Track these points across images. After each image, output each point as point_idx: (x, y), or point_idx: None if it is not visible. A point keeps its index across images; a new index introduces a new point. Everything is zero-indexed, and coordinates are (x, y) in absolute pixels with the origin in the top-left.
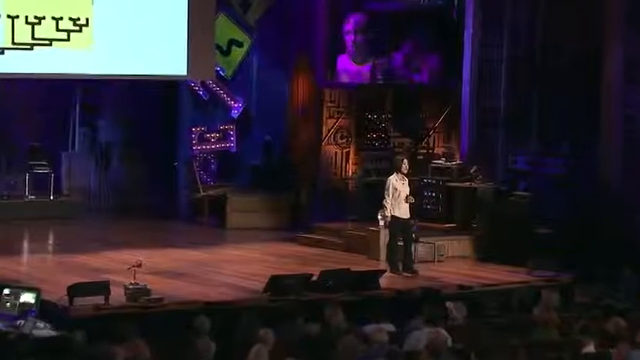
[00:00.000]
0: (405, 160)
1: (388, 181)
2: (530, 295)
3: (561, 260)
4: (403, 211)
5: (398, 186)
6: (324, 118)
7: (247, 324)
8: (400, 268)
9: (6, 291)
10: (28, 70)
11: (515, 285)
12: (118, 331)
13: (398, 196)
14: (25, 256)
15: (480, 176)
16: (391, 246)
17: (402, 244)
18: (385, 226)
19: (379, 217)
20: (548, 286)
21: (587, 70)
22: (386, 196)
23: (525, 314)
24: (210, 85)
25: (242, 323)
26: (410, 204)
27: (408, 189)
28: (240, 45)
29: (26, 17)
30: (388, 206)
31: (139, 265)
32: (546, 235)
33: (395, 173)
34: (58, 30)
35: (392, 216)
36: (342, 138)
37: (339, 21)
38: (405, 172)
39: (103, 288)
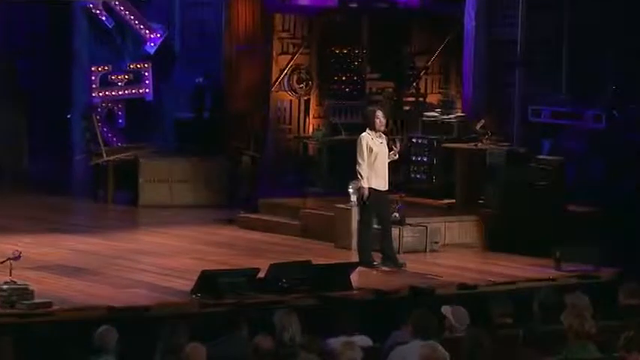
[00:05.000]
0: (379, 112)
1: (361, 140)
2: (558, 297)
3: (601, 249)
4: (380, 181)
5: (374, 146)
6: (275, 55)
7: (170, 337)
8: (375, 260)
9: None
10: None
11: (538, 283)
12: None
13: (374, 161)
14: None
15: (490, 134)
16: (362, 229)
17: (378, 226)
18: (359, 202)
19: (350, 189)
20: (579, 286)
21: None
22: (360, 161)
23: (551, 323)
24: (117, 9)
25: (163, 336)
26: (395, 159)
27: (387, 151)
28: None
29: None
30: (364, 174)
31: (18, 257)
32: (581, 214)
33: (368, 130)
34: None
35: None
36: (299, 82)
37: None
38: (382, 128)
39: None
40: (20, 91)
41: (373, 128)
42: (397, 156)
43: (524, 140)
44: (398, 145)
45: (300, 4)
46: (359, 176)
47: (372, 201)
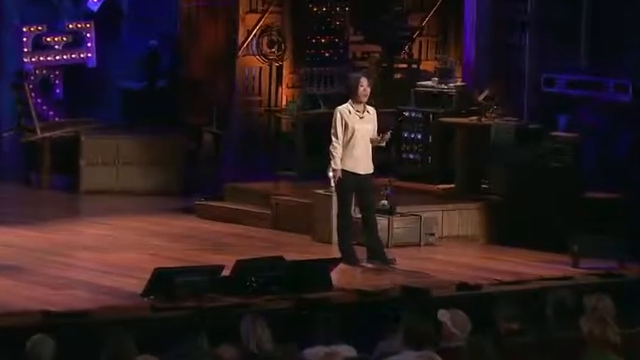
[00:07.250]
0: (364, 80)
1: (335, 114)
2: (576, 299)
3: (626, 242)
4: (360, 163)
5: (352, 121)
6: (242, 13)
7: (116, 347)
8: (360, 255)
9: None
10: None
11: (551, 283)
12: None
13: (351, 139)
14: None
15: (495, 106)
16: (342, 220)
17: (361, 216)
18: (336, 188)
19: (330, 173)
20: (601, 285)
21: None
22: (332, 138)
23: (567, 329)
24: None
25: (107, 346)
26: (380, 146)
27: (371, 126)
28: None
29: None
30: (336, 153)
31: None
32: (602, 201)
33: (350, 101)
34: None
35: (342, 170)
36: (270, 45)
37: None
38: (364, 99)
39: None
40: None
41: (355, 99)
42: (384, 144)
43: (535, 114)
44: (388, 134)
45: None
46: (330, 156)
47: (349, 186)
